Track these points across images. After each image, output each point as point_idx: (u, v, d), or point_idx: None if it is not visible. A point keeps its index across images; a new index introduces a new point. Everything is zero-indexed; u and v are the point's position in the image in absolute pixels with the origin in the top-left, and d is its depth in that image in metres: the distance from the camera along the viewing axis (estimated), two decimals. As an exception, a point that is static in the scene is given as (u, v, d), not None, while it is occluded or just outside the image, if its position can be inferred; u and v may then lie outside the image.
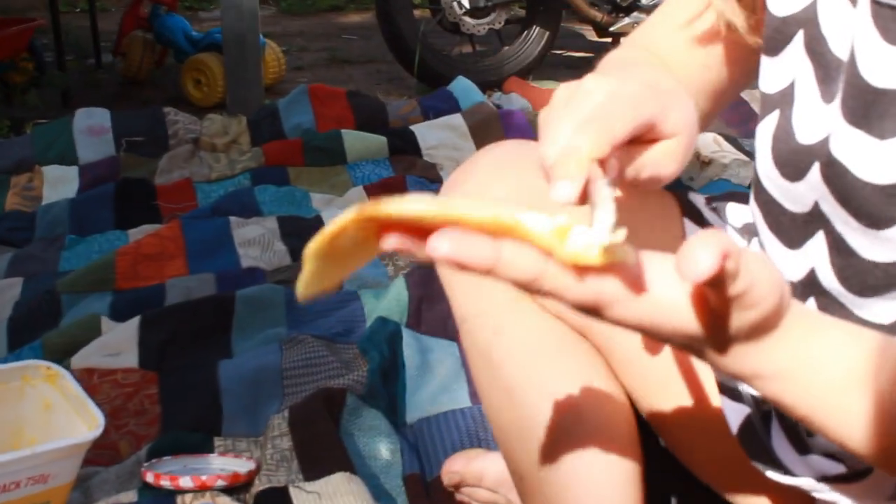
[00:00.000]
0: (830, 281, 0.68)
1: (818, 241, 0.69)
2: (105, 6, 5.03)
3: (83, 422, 1.11)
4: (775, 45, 0.72)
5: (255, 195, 1.90)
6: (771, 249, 0.74)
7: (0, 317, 1.54)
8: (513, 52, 3.62)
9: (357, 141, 2.13)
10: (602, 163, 0.57)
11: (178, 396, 1.31)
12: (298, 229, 1.75)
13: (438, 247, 0.47)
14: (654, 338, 0.53)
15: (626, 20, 3.68)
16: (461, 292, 0.86)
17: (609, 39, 3.89)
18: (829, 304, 0.69)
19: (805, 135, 0.69)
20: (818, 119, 0.68)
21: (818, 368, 0.54)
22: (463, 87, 2.44)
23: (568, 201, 0.54)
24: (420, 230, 0.48)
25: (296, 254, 1.69)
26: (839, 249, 0.67)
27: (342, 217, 0.49)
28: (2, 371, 1.17)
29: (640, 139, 0.62)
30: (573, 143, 0.57)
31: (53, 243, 1.80)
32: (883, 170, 0.62)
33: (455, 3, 3.51)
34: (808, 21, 0.69)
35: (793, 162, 0.70)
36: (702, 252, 0.46)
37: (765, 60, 0.74)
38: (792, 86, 0.71)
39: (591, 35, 4.08)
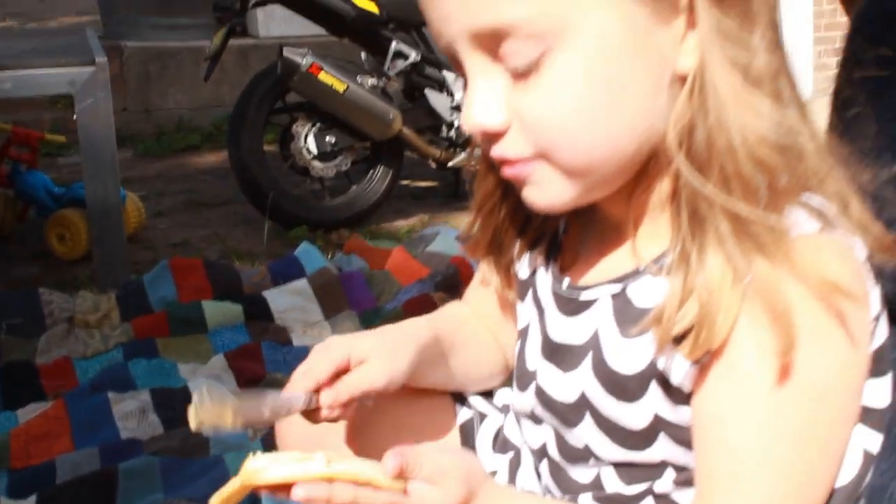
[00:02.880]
0: (553, 451, 1.11)
1: (546, 426, 1.12)
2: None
3: None
4: (521, 294, 1.12)
5: (129, 369, 2.27)
6: (524, 422, 1.16)
7: None
8: (361, 189, 4.04)
9: (216, 310, 2.53)
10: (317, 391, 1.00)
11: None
12: (169, 400, 2.13)
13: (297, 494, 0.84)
14: None
15: (463, 155, 4.19)
16: None
17: (450, 171, 4.39)
18: (553, 466, 1.09)
19: (530, 363, 1.12)
20: (535, 353, 1.11)
21: None
22: (307, 253, 2.88)
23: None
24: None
25: (168, 423, 2.07)
26: (558, 433, 1.10)
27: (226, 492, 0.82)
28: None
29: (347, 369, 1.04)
30: (293, 390, 1.00)
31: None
32: (566, 392, 1.03)
33: (304, 149, 3.95)
34: (531, 284, 1.11)
35: (522, 381, 1.13)
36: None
37: (518, 304, 1.15)
38: (528, 326, 1.12)
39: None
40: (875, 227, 0.89)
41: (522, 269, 1.11)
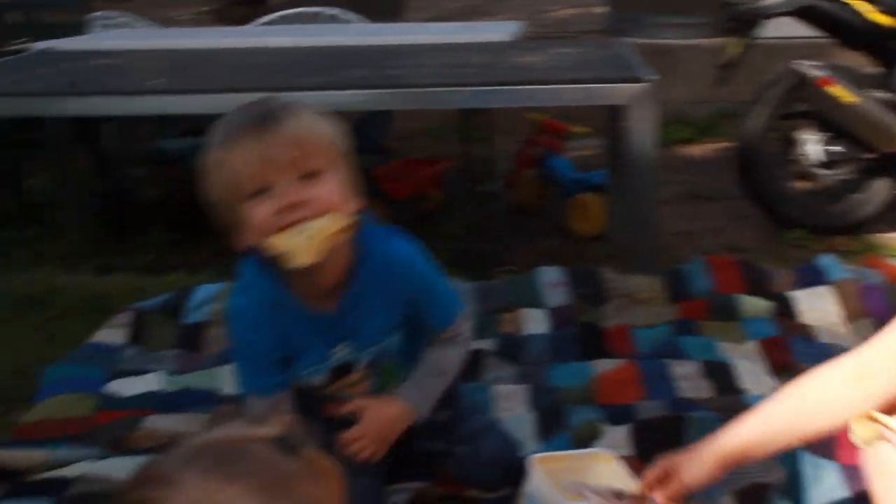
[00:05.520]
0: None
1: None
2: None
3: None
4: None
5: (679, 343, 3.03)
6: None
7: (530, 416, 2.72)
8: (861, 199, 4.47)
9: (749, 303, 3.21)
10: None
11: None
12: (715, 371, 2.84)
13: None
14: None
15: None
16: None
17: None
18: None
19: None
20: None
21: None
22: (828, 264, 3.43)
23: None
24: None
25: (719, 390, 2.76)
26: None
27: None
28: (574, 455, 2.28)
29: None
30: None
31: (541, 366, 3.01)
32: None
33: (807, 156, 4.47)
34: None
35: None
36: None
37: None
38: None
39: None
40: None
41: None
